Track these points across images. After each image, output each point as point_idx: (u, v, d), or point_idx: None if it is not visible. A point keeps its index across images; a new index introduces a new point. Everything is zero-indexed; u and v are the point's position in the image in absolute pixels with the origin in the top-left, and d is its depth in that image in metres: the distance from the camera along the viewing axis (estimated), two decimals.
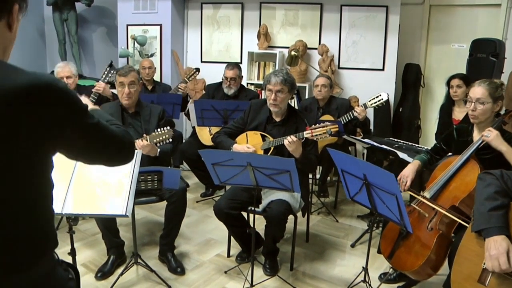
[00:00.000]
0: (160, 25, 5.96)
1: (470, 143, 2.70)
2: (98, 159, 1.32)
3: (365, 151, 4.68)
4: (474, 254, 2.05)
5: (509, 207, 2.01)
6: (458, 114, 4.04)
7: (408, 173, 2.86)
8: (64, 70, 4.02)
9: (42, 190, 1.16)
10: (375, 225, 3.80)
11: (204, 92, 5.50)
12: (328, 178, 5.13)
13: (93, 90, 4.06)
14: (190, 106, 4.74)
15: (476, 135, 2.75)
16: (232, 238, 3.42)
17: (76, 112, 1.13)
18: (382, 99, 4.11)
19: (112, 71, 4.00)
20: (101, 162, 1.35)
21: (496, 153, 2.56)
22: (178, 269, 3.19)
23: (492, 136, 2.53)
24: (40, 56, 6.90)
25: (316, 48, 5.50)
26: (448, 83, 4.12)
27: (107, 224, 3.11)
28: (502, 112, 2.79)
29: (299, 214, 3.27)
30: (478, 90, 2.64)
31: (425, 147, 3.70)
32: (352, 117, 4.19)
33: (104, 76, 4.07)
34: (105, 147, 1.28)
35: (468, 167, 2.60)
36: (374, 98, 4.15)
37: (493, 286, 1.92)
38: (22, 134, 1.03)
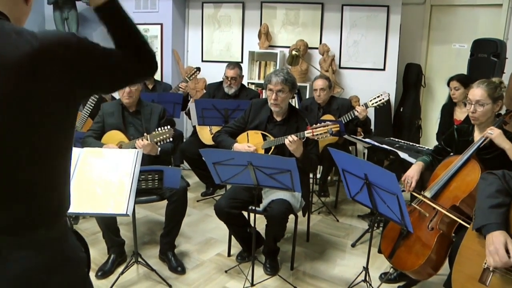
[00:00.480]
0: (161, 24, 5.96)
1: (470, 143, 2.70)
2: (120, 82, 1.33)
3: (366, 151, 4.68)
4: (475, 254, 2.05)
5: (510, 206, 2.01)
6: (459, 114, 4.03)
7: (412, 174, 2.85)
8: None
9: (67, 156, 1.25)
10: (376, 224, 3.80)
11: (204, 91, 5.50)
12: (329, 177, 5.13)
13: None
14: (191, 105, 4.74)
15: (476, 135, 2.74)
16: (232, 237, 3.42)
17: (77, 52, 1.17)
18: (383, 98, 4.10)
19: None
20: (125, 84, 1.41)
21: (497, 153, 2.56)
22: (178, 268, 3.19)
23: (495, 133, 2.53)
24: None
25: (317, 48, 5.50)
26: (449, 84, 4.12)
27: (108, 223, 3.11)
28: (502, 111, 2.79)
29: (300, 213, 3.27)
30: (477, 92, 2.63)
31: (426, 147, 3.70)
32: (353, 116, 4.18)
33: None
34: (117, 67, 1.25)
35: (469, 167, 2.59)
36: (375, 98, 4.14)
37: (494, 286, 1.92)
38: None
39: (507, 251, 1.86)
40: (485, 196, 2.06)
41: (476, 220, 2.05)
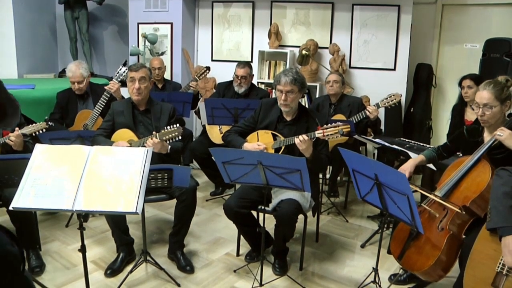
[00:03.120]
0: (171, 24, 5.97)
1: (480, 143, 2.67)
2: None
3: (376, 151, 4.66)
4: (487, 257, 2.03)
5: None
6: (470, 115, 3.99)
7: (406, 168, 2.85)
8: (75, 75, 4.04)
9: None
10: (385, 225, 3.77)
11: (214, 90, 5.50)
12: (338, 178, 5.10)
13: (106, 88, 4.06)
14: (201, 105, 4.73)
15: (486, 136, 2.72)
16: (241, 237, 3.41)
17: None
18: (395, 99, 4.07)
19: (125, 71, 4.00)
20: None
21: (508, 153, 2.53)
22: (187, 267, 3.19)
23: (505, 135, 2.50)
24: (51, 54, 6.94)
25: (327, 47, 5.48)
26: (460, 84, 4.08)
27: (117, 222, 3.12)
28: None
29: (309, 213, 3.25)
30: (484, 95, 2.59)
31: None
32: (364, 116, 4.16)
33: (117, 75, 4.07)
34: None
35: (480, 167, 2.57)
36: (387, 98, 4.11)
37: None
38: None
39: None
40: (501, 195, 2.04)
41: (492, 219, 2.03)
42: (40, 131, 3.29)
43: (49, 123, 3.32)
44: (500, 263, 1.96)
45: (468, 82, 3.96)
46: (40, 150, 2.31)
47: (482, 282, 1.99)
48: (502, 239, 1.94)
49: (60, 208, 2.15)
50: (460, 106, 4.14)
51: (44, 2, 6.56)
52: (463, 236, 2.53)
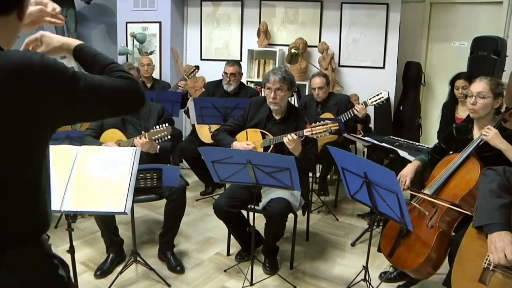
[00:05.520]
0: (160, 23, 5.94)
1: (470, 141, 2.69)
2: (101, 117, 1.30)
3: (366, 150, 4.67)
4: (475, 253, 2.04)
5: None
6: (461, 113, 4.01)
7: (407, 173, 2.85)
8: None
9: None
10: (375, 223, 3.79)
11: (203, 89, 5.48)
12: (328, 176, 5.11)
13: None
14: (190, 104, 4.72)
15: (476, 133, 2.73)
16: (231, 236, 3.41)
17: (63, 85, 1.09)
18: (382, 97, 4.09)
19: None
20: (107, 117, 1.31)
21: (496, 151, 2.55)
22: (177, 267, 3.18)
23: (491, 134, 2.52)
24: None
25: (316, 46, 5.48)
26: (452, 83, 4.09)
27: (107, 222, 3.10)
28: (503, 110, 2.78)
29: (299, 212, 3.26)
30: (479, 85, 2.64)
31: (426, 146, 3.68)
32: (352, 115, 4.17)
33: None
34: (105, 106, 1.22)
35: (469, 165, 2.58)
36: (374, 96, 4.13)
37: (494, 286, 1.92)
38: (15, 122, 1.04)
39: None
40: (487, 194, 2.06)
41: (478, 217, 2.05)
42: None
43: None
44: (487, 259, 1.98)
45: (462, 82, 3.96)
46: None
47: (470, 278, 2.01)
48: (488, 237, 1.96)
49: None
50: (451, 104, 4.15)
51: None
52: (453, 233, 2.55)
